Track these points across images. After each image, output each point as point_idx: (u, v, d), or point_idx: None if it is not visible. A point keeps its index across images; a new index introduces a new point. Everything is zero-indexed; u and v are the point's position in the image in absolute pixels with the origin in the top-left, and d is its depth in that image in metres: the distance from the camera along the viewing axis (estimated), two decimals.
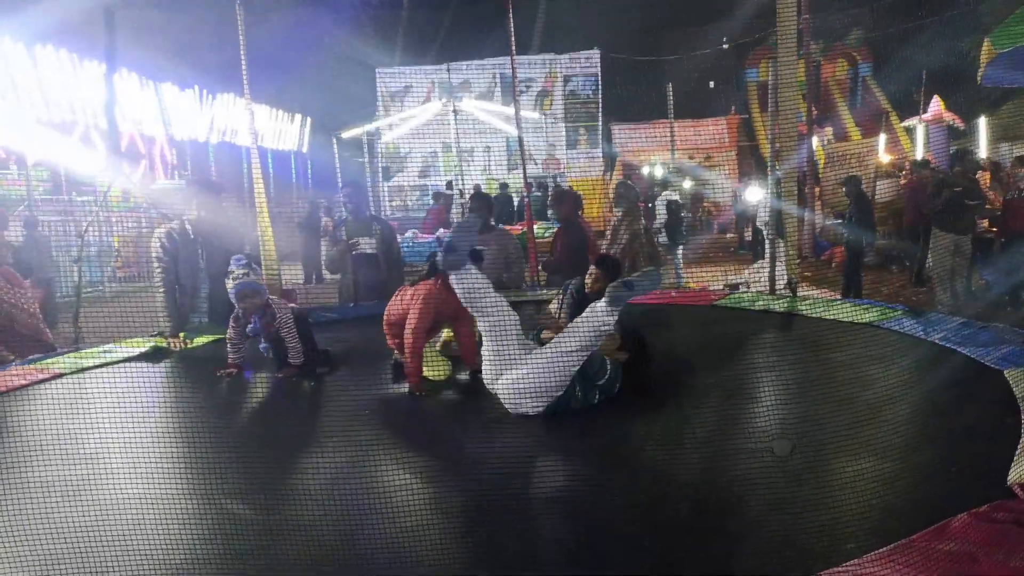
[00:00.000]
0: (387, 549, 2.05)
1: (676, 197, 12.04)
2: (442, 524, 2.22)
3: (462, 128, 15.01)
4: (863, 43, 21.02)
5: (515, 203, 15.88)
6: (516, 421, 3.01)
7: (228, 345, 4.05)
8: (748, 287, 8.59)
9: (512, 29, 7.25)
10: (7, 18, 10.25)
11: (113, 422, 3.13)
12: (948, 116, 15.87)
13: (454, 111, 14.14)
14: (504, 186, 17.19)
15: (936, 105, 15.89)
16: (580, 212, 7.23)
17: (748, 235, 13.98)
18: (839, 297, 7.61)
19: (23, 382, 3.93)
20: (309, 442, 2.99)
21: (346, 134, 14.66)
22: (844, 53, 21.56)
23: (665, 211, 10.94)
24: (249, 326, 4.02)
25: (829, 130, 18.70)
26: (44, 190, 11.54)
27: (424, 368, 3.58)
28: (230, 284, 3.97)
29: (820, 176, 13.37)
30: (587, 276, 4.19)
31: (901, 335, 3.84)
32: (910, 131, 17.67)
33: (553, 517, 2.24)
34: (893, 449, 2.50)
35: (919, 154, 16.12)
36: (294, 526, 2.28)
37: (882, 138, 15.75)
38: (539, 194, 15.26)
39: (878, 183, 12.28)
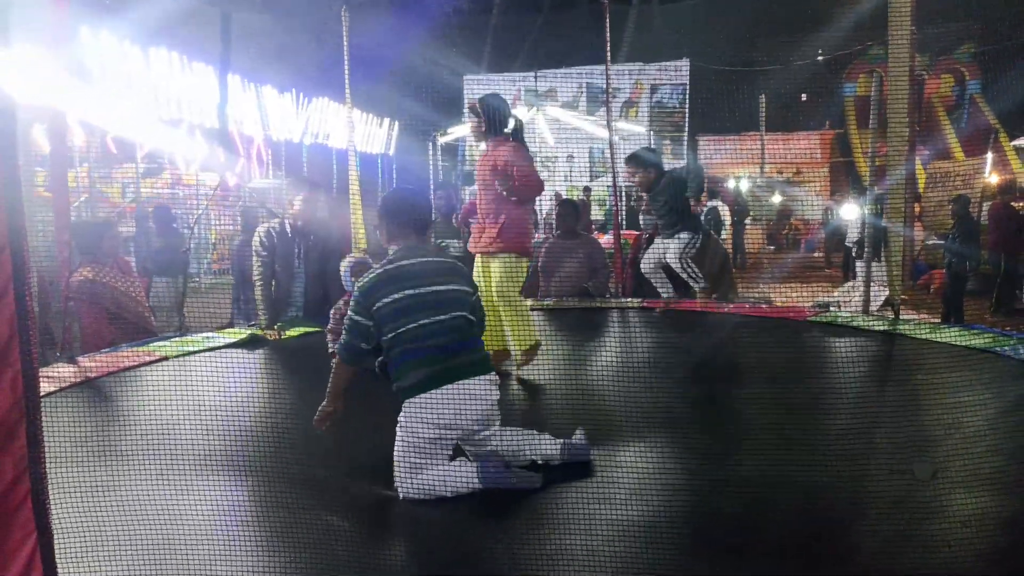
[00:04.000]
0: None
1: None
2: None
3: (546, 137, 15.04)
4: (972, 58, 19.97)
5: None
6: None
7: (328, 336, 4.15)
8: (839, 307, 8.27)
9: (608, 37, 7.23)
10: (126, 22, 10.91)
11: (213, 404, 3.28)
12: None
13: (539, 118, 14.20)
14: (587, 190, 17.09)
15: None
16: None
17: (840, 254, 13.46)
18: (940, 322, 7.24)
19: (133, 363, 4.17)
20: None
21: (442, 139, 14.88)
22: (951, 68, 20.54)
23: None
24: None
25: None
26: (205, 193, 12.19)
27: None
28: (344, 264, 4.16)
29: (921, 196, 12.76)
30: None
31: (1020, 363, 3.61)
32: (1020, 151, 16.66)
33: (650, 529, 2.20)
34: (1013, 483, 2.35)
35: None
36: (386, 518, 2.32)
37: (989, 158, 14.91)
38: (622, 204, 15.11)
39: (984, 205, 11.62)
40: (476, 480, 2.48)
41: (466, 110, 4.00)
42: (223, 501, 2.39)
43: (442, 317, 2.61)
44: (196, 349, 4.57)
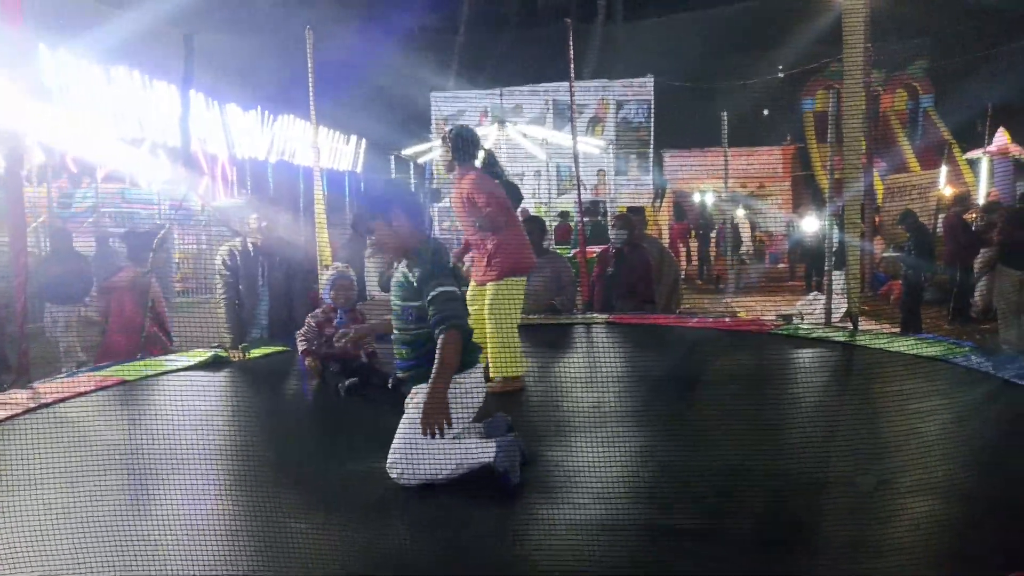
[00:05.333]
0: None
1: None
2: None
3: (513, 153, 15.14)
4: (925, 73, 20.60)
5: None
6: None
7: (298, 340, 4.17)
8: (801, 318, 8.41)
9: (572, 55, 7.32)
10: (86, 40, 10.78)
11: (172, 429, 3.23)
12: (1014, 149, 15.39)
13: (505, 136, 14.31)
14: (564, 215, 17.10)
15: (1002, 137, 15.43)
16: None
17: (803, 265, 13.75)
18: (899, 332, 7.40)
19: (90, 388, 4.08)
20: (357, 454, 3.01)
21: (405, 152, 14.92)
22: (905, 84, 21.15)
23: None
24: (336, 319, 4.16)
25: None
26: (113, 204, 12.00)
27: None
28: (327, 275, 4.24)
29: (880, 208, 13.09)
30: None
31: (970, 371, 3.72)
32: (973, 164, 17.18)
33: (607, 541, 2.22)
34: (964, 490, 2.41)
35: (982, 187, 15.66)
36: (343, 537, 2.31)
37: (943, 170, 15.36)
38: (587, 220, 15.23)
39: (940, 216, 11.93)
40: (491, 454, 2.55)
41: (432, 132, 4.06)
42: (188, 527, 2.35)
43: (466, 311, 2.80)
44: (157, 372, 4.49)
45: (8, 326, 4.18)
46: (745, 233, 14.10)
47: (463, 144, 3.89)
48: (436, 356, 2.57)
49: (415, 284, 2.67)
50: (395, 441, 2.62)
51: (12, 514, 2.32)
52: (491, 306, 3.85)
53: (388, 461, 2.59)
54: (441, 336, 2.58)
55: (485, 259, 3.92)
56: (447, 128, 4.10)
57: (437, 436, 2.50)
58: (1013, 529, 2.14)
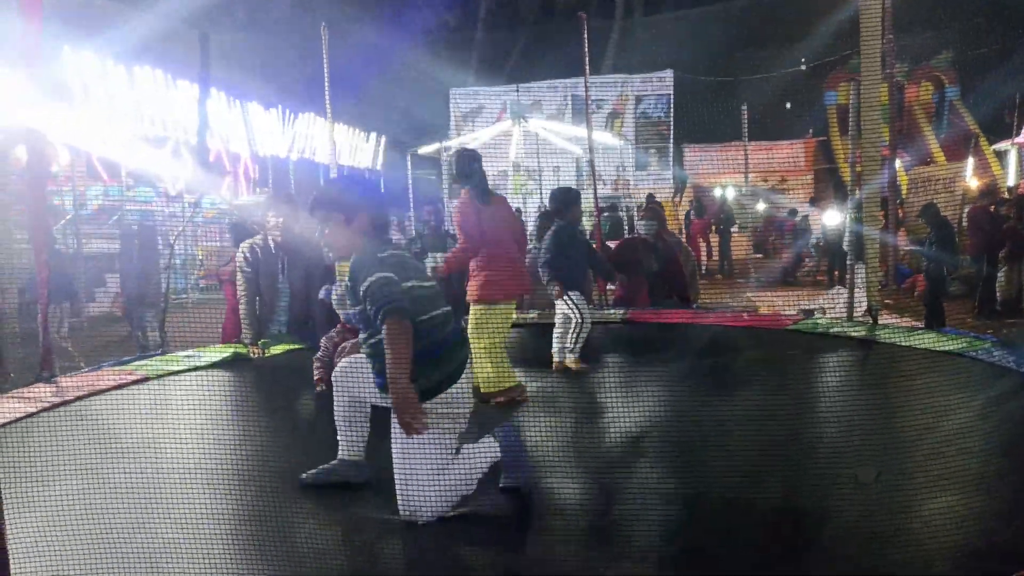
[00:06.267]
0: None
1: None
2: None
3: (531, 148, 15.12)
4: (951, 65, 20.24)
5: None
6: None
7: (314, 367, 4.04)
8: (824, 313, 8.33)
9: (587, 50, 7.30)
10: (109, 40, 10.94)
11: (193, 423, 3.28)
12: None
13: (524, 131, 14.29)
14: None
15: None
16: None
17: (826, 260, 13.59)
18: (921, 326, 7.30)
19: (114, 383, 4.15)
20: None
21: (421, 151, 14.95)
22: (930, 76, 20.79)
23: None
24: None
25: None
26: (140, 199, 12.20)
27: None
28: (338, 291, 4.08)
29: (903, 201, 12.90)
30: None
31: (991, 366, 3.66)
32: (1001, 155, 16.87)
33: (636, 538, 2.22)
34: (983, 484, 2.38)
35: (1011, 178, 15.38)
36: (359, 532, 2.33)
37: (970, 162, 15.08)
38: (608, 215, 15.20)
39: (966, 209, 11.72)
40: (496, 450, 2.45)
41: (452, 129, 4.16)
42: (207, 524, 2.38)
43: (445, 309, 2.53)
44: (178, 368, 4.56)
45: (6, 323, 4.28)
46: (816, 227, 14.07)
47: (460, 166, 4.03)
48: (385, 351, 2.29)
49: (349, 284, 2.41)
50: (396, 480, 2.40)
51: (35, 506, 2.38)
52: (472, 329, 3.91)
53: (399, 503, 2.39)
54: (383, 327, 2.30)
55: (468, 280, 4.03)
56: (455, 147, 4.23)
57: (421, 432, 2.27)
58: None
